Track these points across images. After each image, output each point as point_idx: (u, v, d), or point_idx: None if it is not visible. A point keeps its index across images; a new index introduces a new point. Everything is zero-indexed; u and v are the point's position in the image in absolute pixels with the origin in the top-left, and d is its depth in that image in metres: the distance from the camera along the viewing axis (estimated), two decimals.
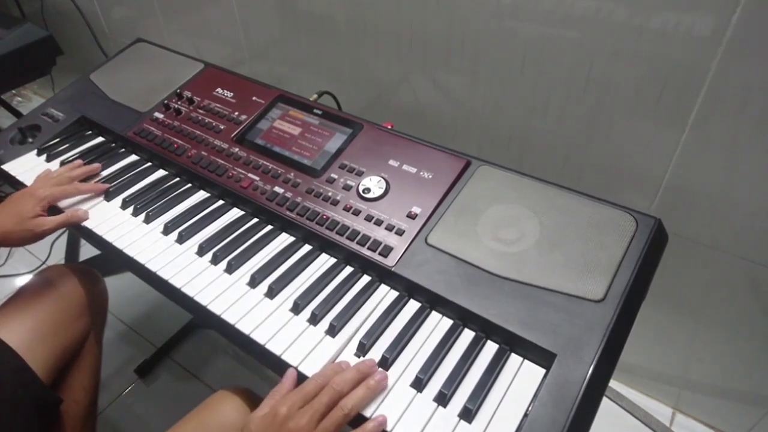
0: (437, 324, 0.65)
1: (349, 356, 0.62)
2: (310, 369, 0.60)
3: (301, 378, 0.60)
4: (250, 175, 0.84)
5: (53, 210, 0.83)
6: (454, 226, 0.71)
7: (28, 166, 0.94)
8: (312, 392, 0.56)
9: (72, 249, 1.34)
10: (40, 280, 0.88)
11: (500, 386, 0.57)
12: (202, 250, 0.75)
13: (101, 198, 0.86)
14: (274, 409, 0.55)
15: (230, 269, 0.72)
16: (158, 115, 0.97)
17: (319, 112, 0.90)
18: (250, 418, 0.56)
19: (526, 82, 0.98)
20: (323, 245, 0.75)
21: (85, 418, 0.89)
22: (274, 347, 0.63)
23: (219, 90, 0.98)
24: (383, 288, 0.70)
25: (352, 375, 0.57)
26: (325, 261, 0.74)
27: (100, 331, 0.94)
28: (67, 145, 0.98)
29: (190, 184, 0.89)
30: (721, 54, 0.77)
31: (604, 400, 1.16)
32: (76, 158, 0.94)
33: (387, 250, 0.70)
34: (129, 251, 0.76)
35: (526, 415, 0.54)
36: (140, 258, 0.75)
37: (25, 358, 0.75)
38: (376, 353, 0.61)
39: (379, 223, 0.73)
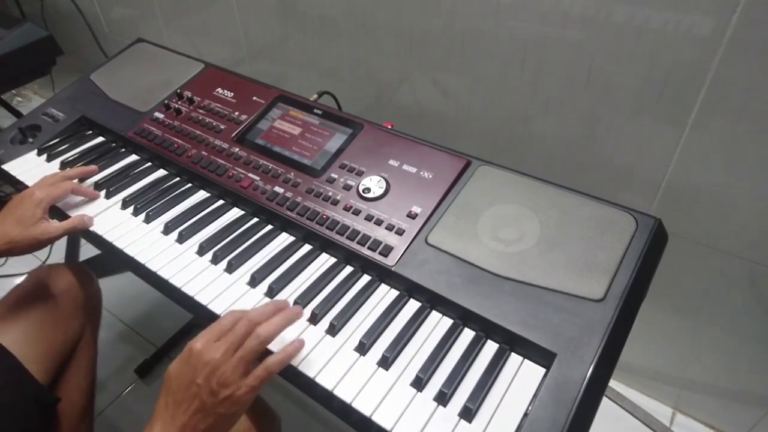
0: (437, 323, 0.65)
1: (349, 355, 0.62)
2: (311, 368, 0.60)
3: None
4: (250, 174, 0.84)
5: (59, 215, 0.83)
6: (454, 225, 0.71)
7: (28, 166, 0.94)
8: (227, 326, 0.56)
9: (72, 249, 1.33)
10: (32, 280, 0.88)
11: (500, 386, 0.57)
12: (202, 250, 0.75)
13: (102, 198, 0.86)
14: (188, 346, 0.54)
15: (230, 269, 0.72)
16: (158, 115, 0.97)
17: (320, 112, 0.90)
18: (171, 364, 0.55)
19: (526, 82, 0.98)
20: (323, 245, 0.75)
21: (81, 418, 0.88)
22: (275, 346, 0.63)
23: (219, 90, 0.98)
24: (383, 287, 0.70)
25: (268, 308, 0.58)
26: (325, 261, 0.74)
27: (95, 330, 0.94)
28: (67, 145, 0.98)
29: (190, 184, 0.89)
30: (721, 54, 0.77)
31: (604, 400, 1.16)
32: (76, 158, 0.94)
33: (387, 250, 0.70)
34: (129, 251, 0.76)
35: (526, 414, 0.54)
36: (140, 257, 0.75)
37: (19, 357, 0.75)
38: (376, 353, 0.61)
39: (379, 222, 0.73)
